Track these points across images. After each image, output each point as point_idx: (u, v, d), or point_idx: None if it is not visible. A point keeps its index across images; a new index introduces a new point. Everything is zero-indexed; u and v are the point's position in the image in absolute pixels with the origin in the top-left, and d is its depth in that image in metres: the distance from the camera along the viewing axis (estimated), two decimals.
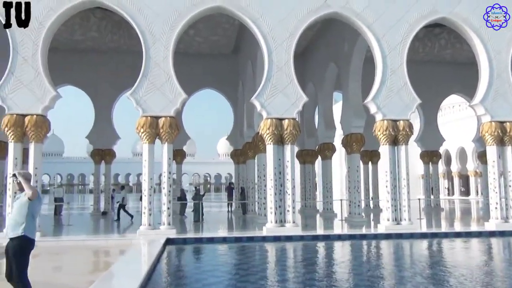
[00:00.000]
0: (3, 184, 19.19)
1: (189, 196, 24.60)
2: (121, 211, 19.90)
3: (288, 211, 13.74)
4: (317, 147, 23.01)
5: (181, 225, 17.37)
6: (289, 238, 13.19)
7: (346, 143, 18.01)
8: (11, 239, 5.56)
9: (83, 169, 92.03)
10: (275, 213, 13.75)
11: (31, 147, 13.28)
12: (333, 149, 21.72)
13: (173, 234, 13.20)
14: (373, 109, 14.54)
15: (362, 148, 18.77)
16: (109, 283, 7.38)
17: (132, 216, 19.55)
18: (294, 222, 13.76)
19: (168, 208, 13.53)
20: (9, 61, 13.07)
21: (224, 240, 13.56)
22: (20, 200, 5.65)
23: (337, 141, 22.05)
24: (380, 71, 14.42)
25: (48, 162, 76.14)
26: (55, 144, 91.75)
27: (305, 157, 24.30)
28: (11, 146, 13.19)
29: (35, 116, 13.11)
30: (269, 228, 13.70)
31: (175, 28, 13.74)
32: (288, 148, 13.97)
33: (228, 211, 24.76)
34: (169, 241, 12.36)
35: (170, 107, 13.61)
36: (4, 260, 5.70)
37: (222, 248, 12.50)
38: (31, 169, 13.10)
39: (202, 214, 19.18)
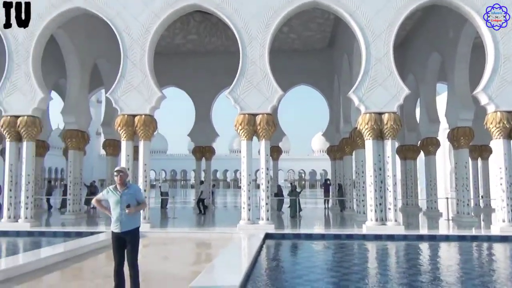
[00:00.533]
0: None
1: (285, 192, 24.76)
2: (201, 203, 20.87)
3: (389, 209, 13.20)
4: (419, 142, 21.79)
5: (279, 220, 17.54)
6: (390, 237, 12.65)
7: (452, 137, 16.83)
8: (126, 232, 6.05)
9: (185, 165, 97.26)
10: (376, 211, 13.30)
11: (141, 145, 14.33)
12: (437, 144, 20.40)
13: (271, 229, 13.37)
14: (483, 100, 13.40)
15: (471, 143, 17.38)
16: (213, 274, 7.67)
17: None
18: (396, 220, 13.18)
19: (267, 204, 13.75)
20: (120, 66, 14.20)
21: (322, 236, 13.41)
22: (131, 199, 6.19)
23: (441, 136, 20.74)
24: (492, 58, 13.21)
25: (154, 159, 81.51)
26: (160, 142, 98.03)
27: (406, 153, 23.17)
28: (123, 144, 14.34)
29: (143, 116, 14.10)
30: (369, 226, 13.29)
31: (270, 25, 13.87)
32: (388, 143, 13.42)
33: (325, 207, 24.51)
34: (268, 236, 12.57)
35: (266, 104, 13.79)
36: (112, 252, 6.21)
37: (321, 244, 12.37)
38: (140, 165, 14.19)
39: (300, 210, 19.16)
